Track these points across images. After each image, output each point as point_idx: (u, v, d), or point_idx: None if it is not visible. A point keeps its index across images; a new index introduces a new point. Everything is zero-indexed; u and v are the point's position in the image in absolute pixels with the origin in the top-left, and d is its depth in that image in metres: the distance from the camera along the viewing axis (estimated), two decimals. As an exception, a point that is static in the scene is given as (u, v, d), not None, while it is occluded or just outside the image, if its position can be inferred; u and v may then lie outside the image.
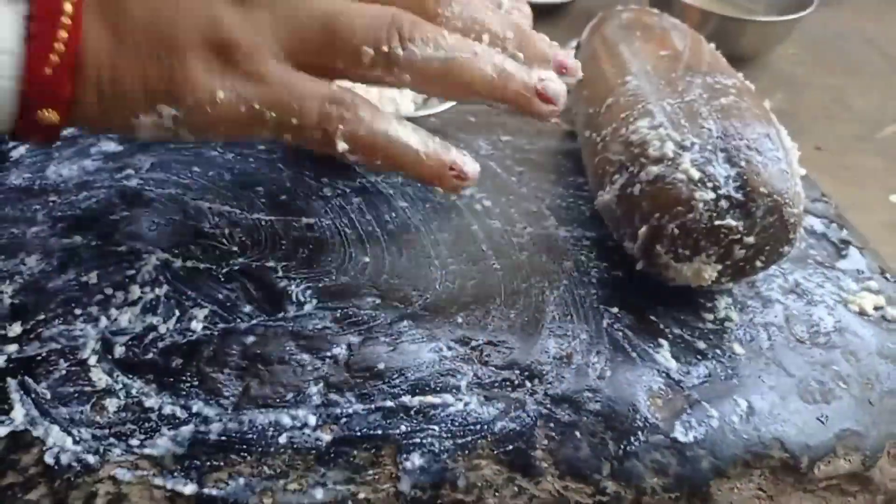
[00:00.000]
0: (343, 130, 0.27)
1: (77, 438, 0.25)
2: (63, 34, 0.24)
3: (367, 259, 0.33)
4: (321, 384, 0.28)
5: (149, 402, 0.26)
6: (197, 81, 0.26)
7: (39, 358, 0.27)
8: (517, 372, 0.29)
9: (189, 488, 0.25)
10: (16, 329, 0.28)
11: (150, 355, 0.28)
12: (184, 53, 0.26)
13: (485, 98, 0.29)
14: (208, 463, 0.25)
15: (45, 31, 0.24)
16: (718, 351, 0.31)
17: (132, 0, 0.26)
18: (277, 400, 0.27)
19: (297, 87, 0.27)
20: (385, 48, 0.27)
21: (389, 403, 0.27)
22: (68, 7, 0.24)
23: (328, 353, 0.29)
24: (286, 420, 0.26)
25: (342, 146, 0.27)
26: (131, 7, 0.26)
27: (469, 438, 0.27)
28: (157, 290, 0.30)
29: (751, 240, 0.29)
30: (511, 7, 0.32)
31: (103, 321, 0.29)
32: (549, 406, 0.28)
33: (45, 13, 0.24)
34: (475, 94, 0.29)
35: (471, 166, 0.30)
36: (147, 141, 0.27)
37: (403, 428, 0.27)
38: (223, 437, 0.26)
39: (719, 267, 0.30)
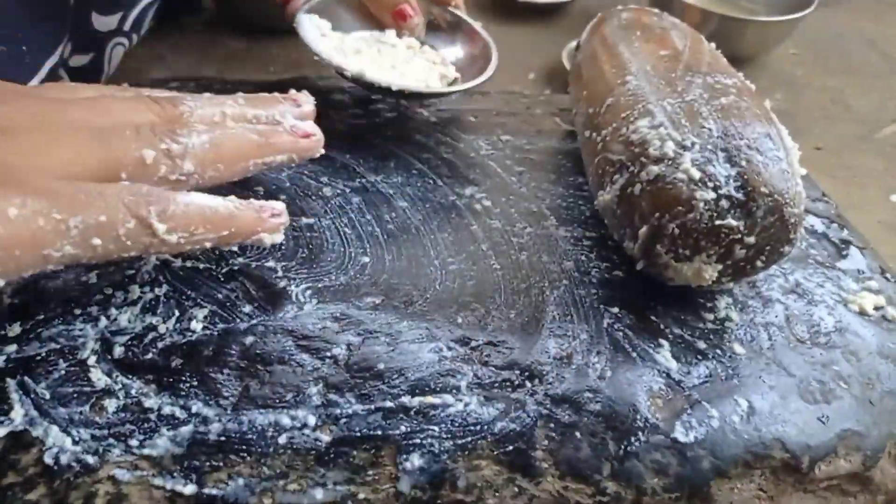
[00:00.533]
0: (156, 210, 0.25)
1: (76, 439, 0.25)
2: None
3: (367, 259, 0.33)
4: (321, 384, 0.27)
5: (148, 403, 0.26)
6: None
7: (39, 358, 0.27)
8: (517, 372, 0.29)
9: (189, 488, 0.25)
10: (15, 329, 0.28)
11: (150, 355, 0.28)
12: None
13: (260, 158, 0.30)
14: (208, 463, 0.25)
15: None
16: (719, 351, 0.31)
17: None
18: (277, 400, 0.27)
19: (91, 188, 0.25)
20: (163, 146, 0.27)
21: (389, 404, 0.27)
22: None
23: (328, 353, 0.29)
24: (286, 420, 0.26)
25: (161, 227, 0.25)
26: None
27: (469, 439, 0.27)
28: (156, 290, 0.30)
29: (751, 240, 0.29)
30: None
31: (103, 321, 0.29)
32: (549, 406, 0.28)
33: None
34: (250, 158, 0.30)
35: (277, 204, 0.30)
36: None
37: (403, 428, 0.27)
38: (223, 438, 0.26)
39: (720, 267, 0.30)
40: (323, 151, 0.33)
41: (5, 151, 0.25)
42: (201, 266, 0.32)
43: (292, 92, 0.34)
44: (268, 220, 0.29)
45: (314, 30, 0.43)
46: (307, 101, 0.33)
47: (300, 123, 0.32)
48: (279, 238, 0.29)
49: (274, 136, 0.31)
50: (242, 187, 0.36)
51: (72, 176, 0.25)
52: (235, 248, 0.33)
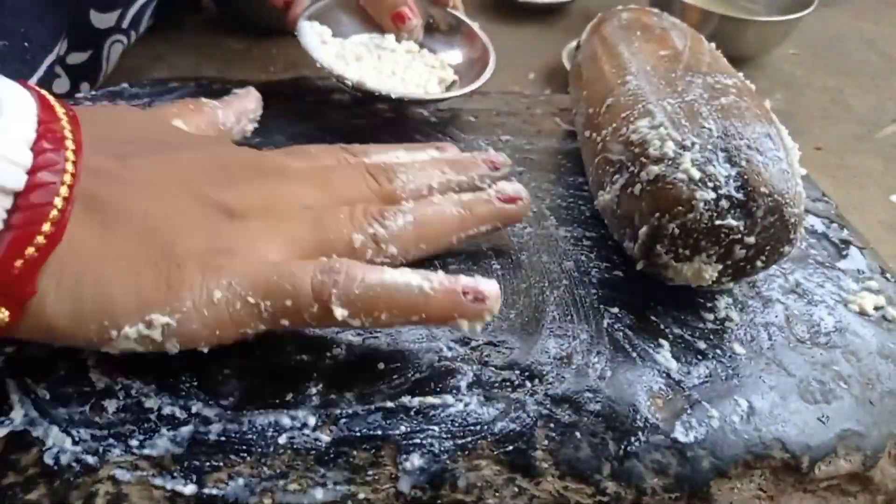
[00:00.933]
0: (337, 294, 0.25)
1: (76, 439, 0.25)
2: (47, 228, 0.23)
3: (367, 259, 0.33)
4: (321, 384, 0.27)
5: (148, 403, 0.26)
6: (194, 284, 0.25)
7: (39, 358, 0.27)
8: (517, 372, 0.29)
9: (189, 488, 0.25)
10: (15, 329, 0.28)
11: (150, 355, 0.28)
12: (183, 259, 0.25)
13: (464, 234, 0.32)
14: (208, 463, 0.25)
15: (28, 221, 0.22)
16: (719, 351, 0.31)
17: (127, 206, 0.25)
18: (277, 400, 0.27)
19: (286, 269, 0.26)
20: (371, 231, 0.29)
21: (389, 404, 0.27)
22: (57, 201, 0.23)
23: (328, 353, 0.29)
24: (286, 420, 0.26)
25: (340, 312, 0.25)
26: (126, 214, 0.25)
27: (469, 438, 0.27)
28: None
29: (751, 240, 0.29)
30: (429, 148, 0.36)
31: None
32: (549, 406, 0.28)
33: (31, 205, 0.22)
34: (454, 234, 0.31)
35: (486, 285, 0.26)
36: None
37: (403, 428, 0.27)
38: (223, 438, 0.26)
39: (720, 267, 0.30)
40: (531, 214, 0.34)
41: (234, 236, 0.27)
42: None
43: (490, 153, 0.35)
44: (467, 306, 0.26)
45: (315, 37, 0.43)
46: (504, 164, 0.35)
47: (505, 186, 0.33)
48: (479, 327, 0.26)
49: (478, 206, 0.32)
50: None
51: (284, 256, 0.27)
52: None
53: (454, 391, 0.28)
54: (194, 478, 0.25)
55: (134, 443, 0.25)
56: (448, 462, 0.26)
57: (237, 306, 0.25)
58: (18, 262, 0.22)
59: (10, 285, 0.22)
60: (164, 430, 0.26)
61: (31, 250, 0.22)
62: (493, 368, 0.29)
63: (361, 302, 0.25)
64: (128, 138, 0.29)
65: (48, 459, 0.25)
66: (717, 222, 0.29)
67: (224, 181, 0.28)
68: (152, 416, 0.26)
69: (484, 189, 0.33)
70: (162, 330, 0.24)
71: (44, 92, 0.26)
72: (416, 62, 0.46)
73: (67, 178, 0.24)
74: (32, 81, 0.43)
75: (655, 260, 0.31)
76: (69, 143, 0.24)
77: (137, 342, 0.25)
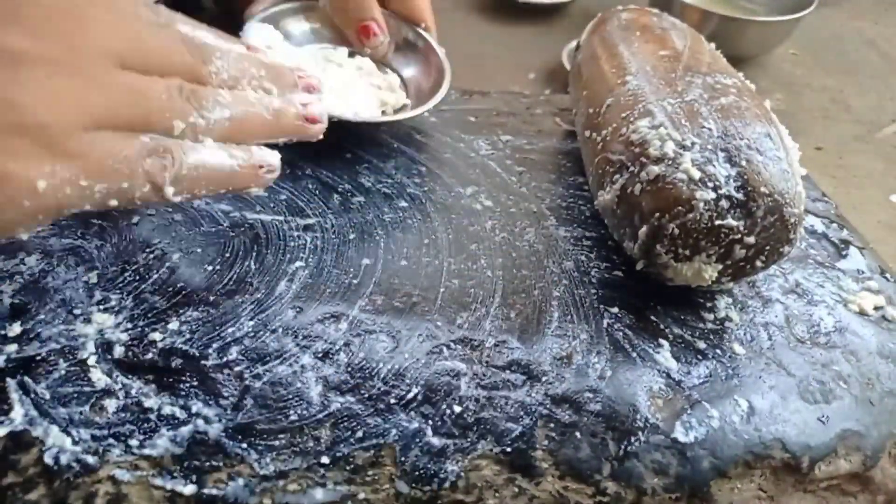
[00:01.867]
0: (169, 176, 0.27)
1: (76, 439, 0.25)
2: None
3: (367, 259, 0.33)
4: (321, 384, 0.27)
5: (148, 403, 0.26)
6: (10, 175, 0.23)
7: (39, 358, 0.27)
8: (517, 372, 0.29)
9: (189, 488, 0.25)
10: (16, 329, 0.28)
11: (150, 355, 0.28)
12: None
13: (268, 138, 0.31)
14: (208, 463, 0.25)
15: None
16: (719, 351, 0.31)
17: None
18: (277, 400, 0.27)
19: (118, 152, 0.25)
20: (191, 120, 0.28)
21: (389, 403, 0.27)
22: None
23: (328, 353, 0.29)
24: (285, 420, 0.26)
25: (170, 191, 0.27)
26: None
27: (469, 438, 0.27)
28: (156, 291, 0.30)
29: (751, 240, 0.29)
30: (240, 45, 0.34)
31: (103, 321, 0.29)
32: (549, 406, 0.28)
33: None
34: (259, 138, 0.31)
35: (273, 158, 0.31)
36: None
37: (403, 428, 0.27)
38: (223, 438, 0.26)
39: (720, 267, 0.30)
40: (321, 137, 0.33)
41: (37, 103, 0.23)
42: (207, 268, 0.32)
43: (309, 76, 0.34)
44: (262, 176, 0.30)
45: (259, 40, 0.41)
46: (317, 90, 0.34)
47: (311, 105, 0.33)
48: (262, 192, 0.31)
49: (285, 117, 0.32)
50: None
51: (101, 128, 0.26)
52: (239, 251, 0.33)
53: (454, 391, 0.28)
54: (194, 478, 0.25)
55: (134, 443, 0.25)
56: (448, 462, 0.26)
57: (67, 191, 0.24)
58: None
59: None
60: (164, 430, 0.26)
61: None
62: (493, 368, 0.29)
63: (187, 181, 0.27)
64: None
65: (48, 459, 0.25)
66: (717, 222, 0.29)
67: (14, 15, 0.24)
68: (152, 416, 0.26)
69: (291, 101, 0.32)
70: None
71: None
72: (362, 81, 0.44)
73: None
74: None
75: (655, 260, 0.31)
76: None
77: None
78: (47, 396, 0.26)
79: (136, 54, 0.27)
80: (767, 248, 0.30)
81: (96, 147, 0.25)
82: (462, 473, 0.26)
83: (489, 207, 0.37)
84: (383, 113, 0.43)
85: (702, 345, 0.31)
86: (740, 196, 0.29)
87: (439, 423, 0.27)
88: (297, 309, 0.30)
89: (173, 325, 0.29)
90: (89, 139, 0.25)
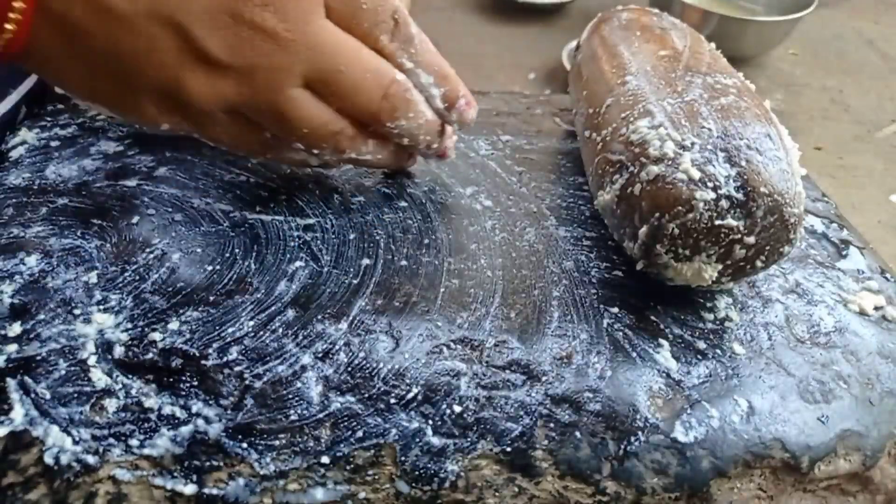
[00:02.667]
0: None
1: (76, 439, 0.25)
2: (9, 27, 0.25)
3: (367, 259, 0.33)
4: (321, 384, 0.27)
5: (148, 403, 0.26)
6: (144, 114, 0.29)
7: (39, 358, 0.27)
8: (517, 372, 0.29)
9: (189, 488, 0.25)
10: (16, 329, 0.28)
11: (150, 355, 0.28)
12: (139, 95, 0.28)
13: (398, 139, 0.34)
14: (208, 463, 0.25)
15: None
16: (719, 351, 0.31)
17: (94, 28, 0.26)
18: (277, 400, 0.27)
19: (227, 140, 0.32)
20: (314, 152, 0.33)
21: (389, 403, 0.27)
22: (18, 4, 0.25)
23: (328, 353, 0.29)
24: (286, 420, 0.26)
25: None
26: (92, 34, 0.26)
27: (469, 438, 0.27)
28: (157, 291, 0.30)
29: (751, 240, 0.29)
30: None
31: (103, 321, 0.29)
32: (549, 406, 0.28)
33: None
34: (398, 135, 0.34)
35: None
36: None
37: (403, 428, 0.27)
38: (223, 438, 0.26)
39: (719, 267, 0.30)
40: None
41: (195, 89, 0.29)
42: (207, 268, 0.32)
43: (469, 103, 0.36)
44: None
45: None
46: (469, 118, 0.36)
47: (449, 140, 0.37)
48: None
49: (425, 134, 0.35)
50: (243, 186, 0.36)
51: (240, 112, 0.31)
52: (236, 249, 0.33)
53: (454, 391, 0.28)
54: (194, 478, 0.25)
55: (134, 443, 0.25)
56: (448, 462, 0.26)
57: (180, 129, 0.30)
58: None
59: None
60: (164, 430, 0.26)
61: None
62: (493, 368, 0.29)
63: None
64: None
65: (48, 459, 0.25)
66: (717, 222, 0.29)
67: (220, 25, 0.28)
68: (152, 416, 0.26)
69: (441, 123, 0.36)
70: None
71: None
72: None
73: None
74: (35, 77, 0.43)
75: (655, 260, 0.31)
76: None
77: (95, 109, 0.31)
78: (47, 396, 0.26)
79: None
80: (767, 248, 0.30)
81: (223, 121, 0.30)
82: (462, 473, 0.26)
83: (489, 207, 0.37)
84: None
85: (702, 345, 0.31)
86: (740, 196, 0.29)
87: (439, 422, 0.27)
88: (297, 309, 0.30)
89: (173, 325, 0.29)
90: (222, 118, 0.30)
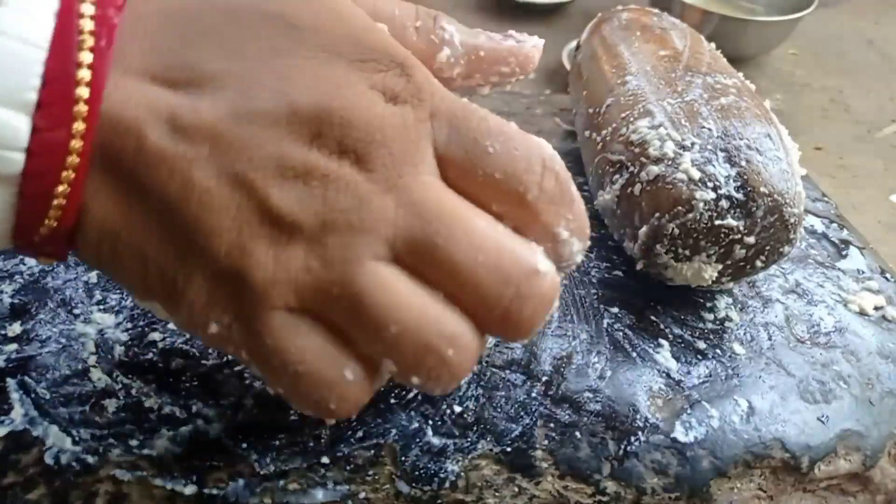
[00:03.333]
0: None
1: (77, 438, 0.25)
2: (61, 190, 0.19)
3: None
4: (321, 384, 0.27)
5: (148, 403, 0.26)
6: (194, 304, 0.20)
7: (39, 358, 0.27)
8: (517, 372, 0.29)
9: (189, 488, 0.25)
10: (16, 329, 0.28)
11: (150, 355, 0.28)
12: (192, 272, 0.20)
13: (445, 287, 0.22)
14: (208, 463, 0.25)
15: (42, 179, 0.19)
16: (719, 351, 0.31)
17: (154, 185, 0.19)
18: (277, 400, 0.27)
19: (294, 363, 0.20)
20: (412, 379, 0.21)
21: (389, 403, 0.27)
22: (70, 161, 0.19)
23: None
24: (286, 420, 0.26)
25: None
26: (150, 193, 0.19)
27: (469, 438, 0.27)
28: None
29: (751, 240, 0.29)
30: None
31: (103, 321, 0.29)
32: (549, 406, 0.28)
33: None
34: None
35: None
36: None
37: (403, 428, 0.27)
38: (223, 438, 0.26)
39: (719, 267, 0.30)
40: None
41: (261, 262, 0.20)
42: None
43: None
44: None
45: None
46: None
47: (548, 278, 0.22)
48: None
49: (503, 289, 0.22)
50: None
51: (302, 311, 0.21)
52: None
53: (454, 391, 0.28)
54: (194, 478, 0.25)
55: (134, 443, 0.25)
56: (448, 462, 0.26)
57: (230, 350, 0.21)
58: (42, 231, 0.19)
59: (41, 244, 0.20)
60: (164, 430, 0.26)
61: (48, 223, 0.19)
62: (493, 368, 0.29)
63: None
64: (206, 35, 0.20)
65: (48, 459, 0.25)
66: (717, 222, 0.29)
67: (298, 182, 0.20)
68: (152, 416, 0.26)
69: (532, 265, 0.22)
70: (165, 313, 0.21)
71: None
72: None
73: (79, 126, 0.18)
74: None
75: (655, 260, 0.31)
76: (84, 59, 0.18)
77: (153, 310, 0.22)
78: (47, 396, 0.26)
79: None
80: (767, 248, 0.30)
81: (278, 338, 0.20)
82: (462, 473, 0.26)
83: (489, 207, 0.37)
84: None
85: (702, 345, 0.31)
86: (740, 196, 0.29)
87: (439, 422, 0.27)
88: (298, 309, 0.30)
89: (173, 325, 0.29)
90: (279, 324, 0.20)
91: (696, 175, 0.29)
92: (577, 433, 0.27)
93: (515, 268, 0.20)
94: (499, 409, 0.27)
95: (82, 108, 0.18)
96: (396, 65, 0.21)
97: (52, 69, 0.18)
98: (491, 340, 0.30)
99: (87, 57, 0.19)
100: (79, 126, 0.19)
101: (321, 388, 0.21)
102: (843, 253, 0.37)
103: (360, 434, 0.26)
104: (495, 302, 0.20)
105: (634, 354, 0.30)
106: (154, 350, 0.28)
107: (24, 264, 0.31)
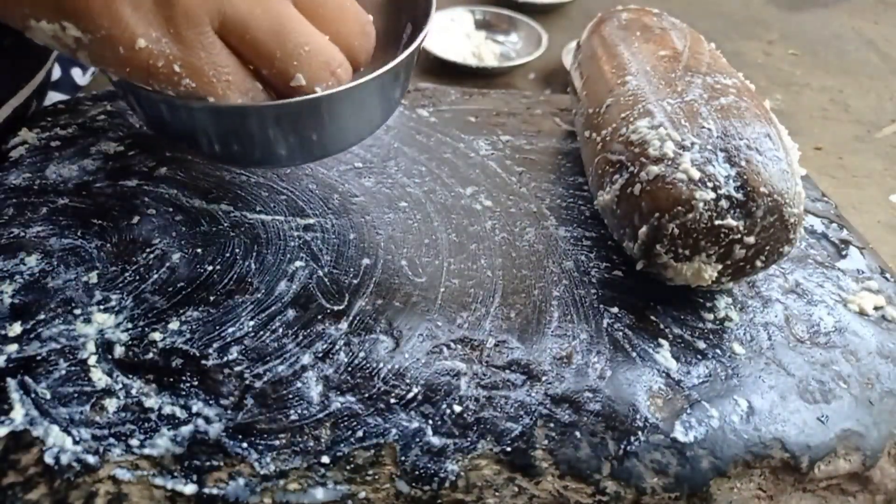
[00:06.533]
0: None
1: (77, 438, 0.25)
2: None
3: (367, 259, 0.33)
4: (321, 384, 0.27)
5: (148, 403, 0.26)
6: (120, 18, 0.23)
7: (39, 358, 0.27)
8: (517, 372, 0.29)
9: (189, 488, 0.25)
10: (16, 329, 0.28)
11: (150, 355, 0.28)
12: None
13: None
14: (208, 463, 0.25)
15: None
16: (718, 351, 0.31)
17: None
18: (277, 400, 0.27)
19: (224, 73, 0.26)
20: (316, 88, 0.28)
21: (389, 403, 0.27)
22: None
23: (328, 353, 0.29)
24: (286, 420, 0.26)
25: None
26: None
27: (469, 438, 0.27)
28: (157, 291, 0.30)
29: (751, 240, 0.29)
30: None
31: (103, 321, 0.29)
32: (549, 406, 0.28)
33: None
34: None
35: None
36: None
37: (403, 428, 0.27)
38: (223, 438, 0.26)
39: (719, 267, 0.30)
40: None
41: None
42: (207, 268, 0.32)
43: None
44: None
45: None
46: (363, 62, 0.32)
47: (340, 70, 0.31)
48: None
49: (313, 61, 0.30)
50: (242, 186, 0.36)
51: (225, 34, 0.26)
52: (237, 249, 0.33)
53: (454, 391, 0.28)
54: (194, 477, 0.25)
55: (134, 442, 0.25)
56: (448, 462, 0.26)
57: (159, 65, 0.25)
58: None
59: None
60: (164, 430, 0.26)
61: None
62: (493, 368, 0.29)
63: None
64: None
65: (48, 459, 0.25)
66: (717, 222, 0.29)
67: None
68: (152, 416, 0.26)
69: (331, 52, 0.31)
70: (75, 41, 0.24)
71: None
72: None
73: None
74: (40, 76, 0.43)
75: (655, 260, 0.31)
76: None
77: (54, 41, 0.25)
78: (48, 396, 0.26)
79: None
80: (767, 248, 0.30)
81: (207, 48, 0.25)
82: (462, 473, 0.26)
83: (489, 207, 0.38)
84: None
85: (702, 345, 0.31)
86: (740, 196, 0.29)
87: (439, 422, 0.27)
88: (298, 309, 0.30)
89: (173, 324, 0.29)
90: (206, 38, 0.25)
91: (696, 175, 0.29)
92: (577, 433, 0.27)
93: (363, 19, 0.30)
94: (499, 409, 0.27)
95: None
96: None
97: None
98: (491, 340, 0.30)
99: None
100: None
101: (237, 95, 0.27)
102: (843, 253, 0.37)
103: (360, 434, 0.26)
104: (354, 36, 0.29)
105: (634, 354, 0.30)
106: (154, 350, 0.28)
107: (24, 264, 0.31)
